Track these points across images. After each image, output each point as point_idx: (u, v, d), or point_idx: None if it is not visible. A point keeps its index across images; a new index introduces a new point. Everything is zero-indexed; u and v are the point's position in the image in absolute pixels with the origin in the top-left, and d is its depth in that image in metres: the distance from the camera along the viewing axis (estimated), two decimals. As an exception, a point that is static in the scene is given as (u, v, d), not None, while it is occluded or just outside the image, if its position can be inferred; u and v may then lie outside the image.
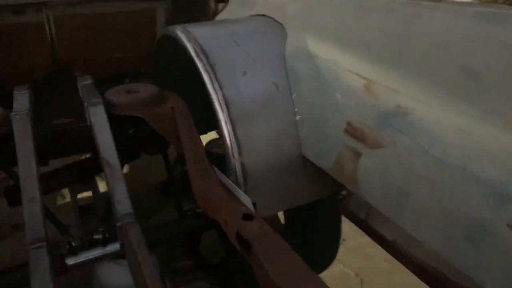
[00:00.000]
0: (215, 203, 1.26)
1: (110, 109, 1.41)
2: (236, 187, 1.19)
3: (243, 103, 1.27)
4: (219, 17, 1.95)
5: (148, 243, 1.24)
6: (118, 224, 1.21)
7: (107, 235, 1.59)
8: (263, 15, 1.55)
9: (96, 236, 1.55)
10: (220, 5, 2.13)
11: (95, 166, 2.12)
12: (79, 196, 2.36)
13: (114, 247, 1.56)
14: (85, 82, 1.56)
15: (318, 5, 1.34)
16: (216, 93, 1.25)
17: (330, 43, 1.22)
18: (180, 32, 1.40)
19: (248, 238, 1.10)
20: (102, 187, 2.39)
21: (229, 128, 1.24)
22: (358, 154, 1.06)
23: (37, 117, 1.44)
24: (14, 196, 1.81)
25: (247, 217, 1.18)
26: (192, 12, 2.58)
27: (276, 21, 1.48)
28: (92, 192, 2.29)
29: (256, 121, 1.27)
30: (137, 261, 1.07)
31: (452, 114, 0.86)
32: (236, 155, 1.24)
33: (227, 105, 1.25)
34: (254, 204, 1.25)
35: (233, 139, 1.23)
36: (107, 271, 1.80)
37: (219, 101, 1.24)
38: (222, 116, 1.24)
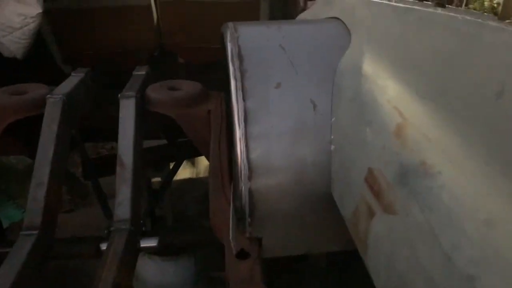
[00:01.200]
0: (220, 224, 1.11)
1: (146, 104, 1.35)
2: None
3: (266, 120, 1.07)
4: (301, 16, 1.75)
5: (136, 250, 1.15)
6: (111, 228, 1.14)
7: (144, 228, 1.55)
8: (336, 18, 1.32)
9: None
10: (310, 3, 1.94)
11: (170, 154, 2.14)
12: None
13: (149, 242, 1.51)
14: (139, 72, 1.53)
15: (383, 12, 1.07)
16: (238, 104, 1.08)
17: (384, 61, 0.96)
18: (228, 30, 1.26)
19: (232, 280, 0.94)
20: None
21: (242, 146, 1.06)
22: (372, 213, 0.80)
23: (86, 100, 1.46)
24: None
25: (242, 255, 1.02)
26: (286, 7, 2.41)
27: (345, 26, 1.24)
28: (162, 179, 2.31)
29: (278, 143, 1.07)
30: (105, 267, 0.98)
31: (483, 194, 0.56)
32: (245, 178, 1.05)
33: (246, 119, 1.07)
34: (259, 239, 1.07)
35: (245, 160, 1.05)
36: (142, 263, 1.78)
37: (238, 113, 1.07)
38: (237, 131, 1.07)
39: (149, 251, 1.71)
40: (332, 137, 1.06)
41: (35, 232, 1.09)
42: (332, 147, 1.06)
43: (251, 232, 1.08)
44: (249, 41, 1.20)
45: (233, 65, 1.14)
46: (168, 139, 2.03)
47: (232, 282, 0.96)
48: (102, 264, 0.98)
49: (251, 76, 1.12)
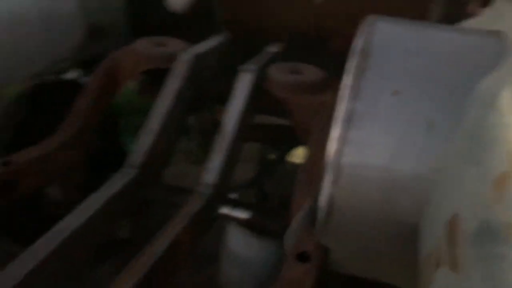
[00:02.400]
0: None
1: (263, 81, 1.35)
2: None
3: (371, 127, 0.97)
4: (465, 23, 1.53)
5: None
6: (194, 190, 1.19)
7: (238, 199, 1.61)
8: (500, 33, 1.12)
9: (232, 196, 1.59)
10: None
11: (289, 135, 2.15)
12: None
13: (241, 213, 1.57)
14: (271, 49, 1.53)
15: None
16: (344, 102, 1.00)
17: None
18: (365, 23, 1.17)
19: (282, 277, 0.92)
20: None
21: (335, 148, 0.98)
22: (439, 263, 0.67)
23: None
24: None
25: (303, 257, 0.97)
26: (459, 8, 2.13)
27: (508, 45, 1.05)
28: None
29: (376, 156, 0.96)
30: (172, 223, 1.03)
31: None
32: (329, 181, 0.99)
33: (349, 120, 0.99)
34: (325, 248, 1.01)
35: (334, 163, 0.98)
36: (231, 233, 1.85)
37: (341, 112, 1.00)
38: (335, 130, 0.99)
39: (240, 222, 1.76)
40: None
41: (133, 170, 1.20)
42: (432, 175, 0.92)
43: (321, 239, 1.01)
44: (382, 39, 1.09)
45: (353, 60, 1.05)
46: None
47: (281, 279, 0.93)
48: (171, 220, 1.03)
49: (370, 76, 1.02)
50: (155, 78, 1.93)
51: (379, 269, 1.01)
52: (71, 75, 2.35)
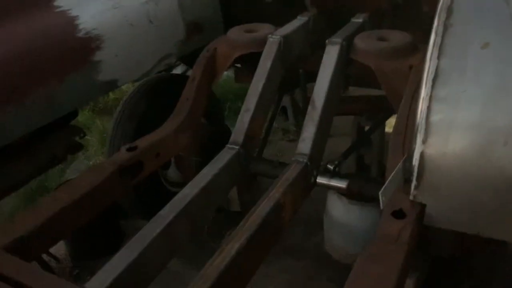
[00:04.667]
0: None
1: (350, 51, 1.40)
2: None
3: (459, 82, 0.98)
4: None
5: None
6: (292, 159, 1.29)
7: (337, 169, 1.70)
8: None
9: (329, 166, 1.69)
10: None
11: (382, 105, 2.15)
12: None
13: (339, 182, 1.67)
14: (357, 19, 1.57)
15: None
16: (430, 61, 1.02)
17: None
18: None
19: (379, 233, 0.98)
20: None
21: (424, 107, 1.01)
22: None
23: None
24: None
25: (399, 214, 1.02)
26: None
27: None
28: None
29: (467, 110, 0.97)
30: (274, 188, 1.14)
31: None
32: (420, 140, 1.02)
33: (435, 78, 1.00)
34: (422, 205, 1.04)
35: (423, 121, 1.01)
36: (332, 201, 1.92)
37: (428, 71, 1.01)
38: (423, 89, 1.02)
39: (339, 191, 1.83)
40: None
41: (236, 147, 1.34)
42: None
43: (415, 196, 1.05)
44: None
45: (439, 18, 1.06)
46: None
47: (378, 235, 0.99)
48: (272, 186, 1.15)
49: (455, 32, 1.02)
50: (248, 64, 2.07)
51: (480, 222, 1.02)
52: (179, 69, 2.60)
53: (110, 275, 0.90)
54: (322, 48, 1.47)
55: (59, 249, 2.12)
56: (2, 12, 1.35)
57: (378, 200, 1.83)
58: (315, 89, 1.32)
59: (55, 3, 1.43)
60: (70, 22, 1.43)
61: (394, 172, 1.06)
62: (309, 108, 1.30)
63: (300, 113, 3.04)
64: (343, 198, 1.85)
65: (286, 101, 3.06)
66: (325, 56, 1.36)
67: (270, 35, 1.47)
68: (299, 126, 3.08)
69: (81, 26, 1.43)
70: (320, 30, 1.74)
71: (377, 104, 2.08)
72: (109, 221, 2.13)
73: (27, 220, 1.10)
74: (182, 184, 1.79)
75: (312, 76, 2.14)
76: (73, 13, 1.44)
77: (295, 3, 2.48)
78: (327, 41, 1.39)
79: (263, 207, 1.08)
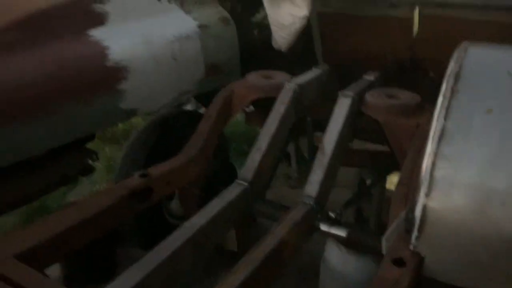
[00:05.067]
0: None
1: (361, 106, 1.48)
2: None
3: (463, 143, 1.05)
4: None
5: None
6: (298, 200, 1.34)
7: (338, 218, 1.75)
8: None
9: (331, 214, 1.74)
10: None
11: (388, 163, 2.22)
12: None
13: (338, 231, 1.71)
14: (368, 77, 1.67)
15: None
16: (437, 121, 1.10)
17: None
18: (458, 48, 1.27)
19: (378, 278, 1.02)
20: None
21: (428, 162, 1.08)
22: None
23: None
24: None
25: (399, 262, 1.06)
26: None
27: None
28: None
29: (468, 169, 1.04)
30: (279, 226, 1.18)
31: None
32: (423, 192, 1.07)
33: (441, 137, 1.08)
34: (420, 257, 1.08)
35: (427, 175, 1.07)
36: (330, 249, 1.94)
37: (434, 130, 1.09)
38: (429, 146, 1.09)
39: (338, 239, 1.86)
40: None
41: (245, 183, 1.39)
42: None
43: (415, 246, 1.09)
44: (474, 63, 1.18)
45: (447, 83, 1.15)
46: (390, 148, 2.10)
47: (378, 279, 1.03)
48: (277, 224, 1.19)
49: (461, 97, 1.11)
50: (260, 108, 2.16)
51: (478, 278, 1.05)
52: (189, 106, 2.69)
53: (137, 275, 0.93)
54: (331, 99, 1.56)
55: (54, 270, 2.12)
56: (40, 37, 1.44)
57: (376, 251, 1.86)
58: (325, 136, 1.39)
59: (90, 33, 1.53)
60: (101, 52, 1.53)
61: (396, 220, 1.11)
62: (319, 153, 1.37)
63: (304, 161, 3.11)
64: (342, 247, 1.88)
65: (290, 148, 3.14)
66: (337, 107, 1.45)
67: (287, 82, 1.57)
68: (301, 173, 3.14)
69: (110, 56, 1.53)
70: (332, 83, 1.84)
71: (380, 159, 2.16)
72: (107, 247, 2.14)
73: (38, 231, 1.14)
74: (182, 217, 1.83)
75: (319, 125, 2.23)
76: (105, 43, 1.54)
77: (309, 57, 2.62)
78: (340, 93, 1.48)
79: (266, 245, 1.12)
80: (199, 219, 1.23)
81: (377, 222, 2.24)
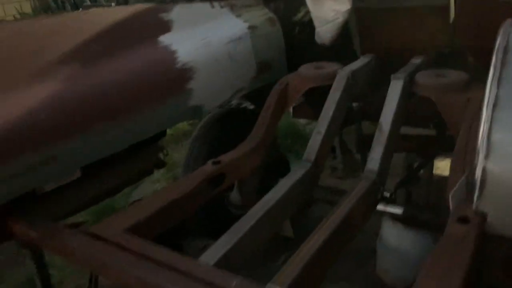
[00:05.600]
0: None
1: (412, 87, 1.60)
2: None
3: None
4: None
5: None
6: (362, 175, 1.46)
7: (393, 196, 1.87)
8: None
9: (385, 193, 1.87)
10: None
11: (434, 147, 2.30)
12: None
13: (394, 208, 1.83)
14: (415, 60, 1.78)
15: None
16: (490, 90, 1.20)
17: None
18: (504, 25, 1.37)
19: (445, 235, 1.13)
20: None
21: (485, 127, 1.18)
22: None
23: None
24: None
25: (463, 220, 1.17)
26: None
27: None
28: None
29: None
30: (345, 200, 1.31)
31: None
32: (482, 156, 1.18)
33: (496, 104, 1.18)
34: (484, 214, 1.18)
35: (485, 140, 1.18)
36: (387, 227, 2.05)
37: (488, 99, 1.19)
38: (484, 114, 1.19)
39: (394, 216, 1.96)
40: None
41: (309, 163, 1.53)
42: None
43: (478, 206, 1.19)
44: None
45: (497, 56, 1.26)
46: (437, 131, 2.18)
47: (444, 237, 1.13)
48: (343, 198, 1.31)
49: (510, 67, 1.21)
50: (305, 102, 2.29)
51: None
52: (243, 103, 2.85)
53: (221, 250, 1.09)
54: (379, 87, 1.67)
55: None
56: (117, 46, 1.63)
57: (432, 226, 1.95)
58: (382, 116, 1.51)
59: (159, 39, 1.71)
60: (171, 55, 1.70)
61: (458, 183, 1.21)
62: (377, 132, 1.49)
63: (348, 152, 3.21)
64: (398, 223, 1.98)
65: (334, 140, 3.25)
66: (390, 89, 1.56)
67: (340, 70, 1.70)
68: (346, 164, 3.24)
69: (179, 59, 1.70)
70: (379, 71, 1.95)
71: (426, 143, 2.25)
72: (174, 238, 2.31)
73: (136, 212, 1.31)
74: (241, 207, 1.97)
75: (366, 114, 2.33)
76: (173, 48, 1.71)
77: (347, 50, 2.73)
78: (392, 76, 1.59)
79: (334, 218, 1.24)
80: (273, 195, 1.38)
81: (426, 204, 2.32)
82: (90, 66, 1.52)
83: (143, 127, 1.62)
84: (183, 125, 4.00)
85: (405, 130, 2.25)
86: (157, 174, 2.86)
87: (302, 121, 3.85)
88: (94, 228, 1.24)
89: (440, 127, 2.08)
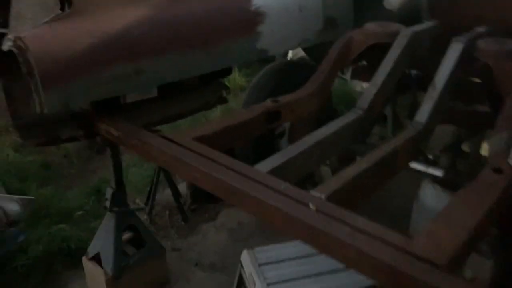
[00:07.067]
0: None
1: (472, 52, 1.66)
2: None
3: None
4: None
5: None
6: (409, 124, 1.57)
7: (433, 158, 1.96)
8: None
9: (429, 156, 1.97)
10: None
11: (485, 121, 2.33)
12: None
13: (434, 171, 1.93)
14: (479, 28, 1.82)
15: None
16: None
17: None
18: None
19: (479, 182, 1.22)
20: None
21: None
22: None
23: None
24: None
25: (497, 170, 1.26)
26: None
27: None
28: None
29: None
30: (387, 144, 1.43)
31: None
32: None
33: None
34: None
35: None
36: (425, 188, 2.14)
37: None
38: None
39: (434, 180, 2.05)
40: None
41: (361, 111, 1.65)
42: None
43: (513, 161, 1.28)
44: None
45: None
46: (491, 107, 2.21)
47: (474, 182, 1.22)
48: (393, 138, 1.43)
49: None
50: (365, 65, 2.36)
51: None
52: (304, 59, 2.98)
53: (273, 163, 1.26)
54: (440, 58, 1.71)
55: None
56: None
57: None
58: (437, 73, 1.59)
59: (236, -16, 1.86)
60: (247, -2, 1.85)
61: (499, 137, 1.30)
62: (430, 88, 1.58)
63: (399, 124, 3.26)
64: (437, 185, 2.07)
65: (387, 109, 3.30)
66: (449, 50, 1.64)
67: (403, 29, 1.78)
68: (395, 134, 3.30)
69: (254, 2, 1.85)
70: (440, 37, 2.00)
71: (476, 118, 2.28)
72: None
73: (205, 127, 1.51)
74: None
75: (423, 84, 2.38)
76: (249, -9, 1.86)
77: (415, 16, 2.75)
78: (453, 38, 1.66)
79: (382, 149, 1.37)
80: (324, 131, 1.52)
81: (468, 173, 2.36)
82: (176, 4, 1.70)
83: (215, 60, 1.80)
84: (240, 80, 4.20)
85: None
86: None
87: (359, 90, 3.90)
88: (167, 135, 1.44)
89: (494, 104, 2.10)
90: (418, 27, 1.87)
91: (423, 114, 1.54)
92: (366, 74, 2.44)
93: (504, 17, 2.42)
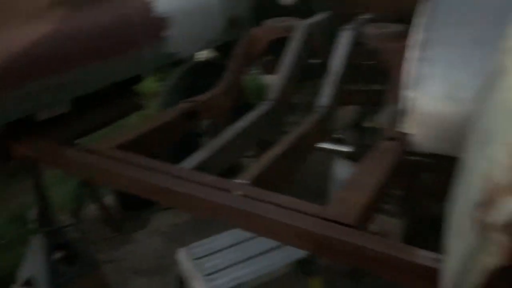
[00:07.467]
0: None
1: (359, 37, 1.87)
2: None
3: (439, 48, 1.44)
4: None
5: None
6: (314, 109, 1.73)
7: (343, 137, 2.15)
8: None
9: (337, 135, 2.16)
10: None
11: (380, 99, 2.60)
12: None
13: (344, 148, 2.10)
14: (364, 16, 2.04)
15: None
16: (418, 33, 1.48)
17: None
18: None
19: (377, 148, 1.41)
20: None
21: (413, 63, 1.46)
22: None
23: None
24: None
25: (391, 138, 1.46)
26: None
27: None
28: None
29: (441, 68, 1.43)
30: (295, 131, 1.58)
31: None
32: (411, 87, 1.46)
33: (422, 45, 1.46)
34: (407, 135, 1.47)
35: (414, 74, 1.46)
36: (338, 164, 2.35)
37: (416, 39, 1.47)
38: (413, 51, 1.47)
39: (344, 155, 2.27)
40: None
41: (273, 102, 1.78)
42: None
43: (404, 128, 1.49)
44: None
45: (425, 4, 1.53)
46: (382, 84, 2.47)
47: (372, 151, 1.41)
48: (297, 124, 1.58)
49: (437, 14, 1.49)
50: (274, 58, 2.51)
51: (446, 145, 1.45)
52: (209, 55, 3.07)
53: (197, 159, 1.34)
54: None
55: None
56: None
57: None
58: (332, 60, 1.77)
59: (138, -9, 1.90)
60: (148, 5, 1.90)
61: (390, 110, 1.51)
62: (328, 75, 1.76)
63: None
64: (347, 160, 2.29)
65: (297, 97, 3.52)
66: (340, 38, 1.83)
67: (299, 22, 1.95)
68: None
69: (158, 8, 1.90)
70: (335, 27, 2.21)
71: (373, 96, 2.54)
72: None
73: (128, 133, 1.55)
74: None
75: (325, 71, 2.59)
76: (149, -1, 1.91)
77: (306, 10, 2.96)
78: (342, 28, 1.86)
79: (289, 136, 1.51)
80: (240, 124, 1.63)
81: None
82: (78, 11, 1.70)
83: (125, 69, 1.83)
84: (153, 85, 4.19)
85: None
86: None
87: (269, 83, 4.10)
88: (87, 146, 1.46)
89: (385, 82, 2.37)
90: (312, 19, 2.05)
91: (324, 98, 1.71)
92: (275, 67, 2.61)
93: (385, 5, 2.72)
